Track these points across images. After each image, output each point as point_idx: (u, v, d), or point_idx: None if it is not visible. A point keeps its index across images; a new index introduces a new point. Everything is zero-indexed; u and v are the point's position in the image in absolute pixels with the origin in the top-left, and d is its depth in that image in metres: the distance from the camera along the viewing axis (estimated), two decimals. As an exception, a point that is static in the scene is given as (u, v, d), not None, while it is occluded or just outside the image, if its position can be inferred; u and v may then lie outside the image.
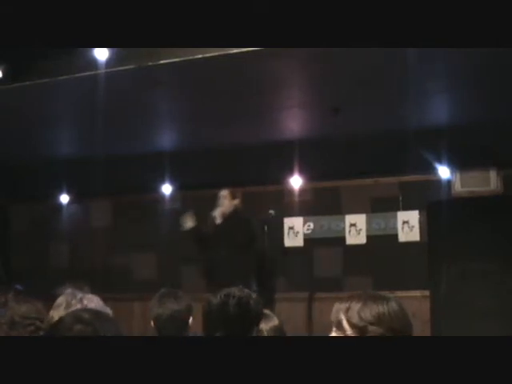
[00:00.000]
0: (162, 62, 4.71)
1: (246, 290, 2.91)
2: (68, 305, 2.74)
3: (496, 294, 6.59)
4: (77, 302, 2.75)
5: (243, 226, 6.63)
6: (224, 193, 6.67)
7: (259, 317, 2.89)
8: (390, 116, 6.11)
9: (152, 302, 3.49)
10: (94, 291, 3.30)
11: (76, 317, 2.00)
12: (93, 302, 2.82)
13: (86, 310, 2.33)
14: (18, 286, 5.97)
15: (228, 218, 6.62)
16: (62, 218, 8.67)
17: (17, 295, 4.98)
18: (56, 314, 2.79)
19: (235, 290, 2.84)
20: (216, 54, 4.47)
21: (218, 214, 6.62)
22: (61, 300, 2.82)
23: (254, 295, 2.90)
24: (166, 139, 7.18)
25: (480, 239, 6.81)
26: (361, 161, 7.26)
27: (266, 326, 3.12)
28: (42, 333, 2.71)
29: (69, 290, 2.89)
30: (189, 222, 6.76)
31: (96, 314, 2.06)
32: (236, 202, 6.69)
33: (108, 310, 2.81)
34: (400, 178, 7.36)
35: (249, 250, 6.61)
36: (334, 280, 7.49)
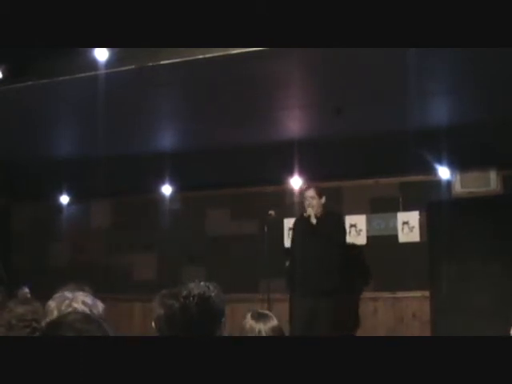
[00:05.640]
0: (162, 62, 4.71)
1: (204, 284, 2.86)
2: (59, 311, 2.73)
3: (496, 294, 6.59)
4: (66, 306, 2.75)
5: (337, 224, 6.63)
6: (310, 193, 6.58)
7: (222, 311, 2.85)
8: (391, 116, 6.10)
9: (153, 302, 3.49)
10: (94, 291, 3.30)
11: (62, 323, 2.00)
12: (82, 303, 2.80)
13: (73, 313, 2.32)
14: (25, 287, 5.99)
15: (320, 218, 6.53)
16: (62, 218, 8.68)
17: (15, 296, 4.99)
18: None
19: (194, 288, 2.79)
20: (216, 54, 4.47)
21: (311, 215, 6.51)
22: (52, 306, 2.81)
23: (214, 288, 2.86)
24: (166, 139, 7.17)
25: (480, 239, 6.82)
26: (361, 161, 7.25)
27: (264, 327, 3.12)
28: (38, 334, 2.71)
29: (57, 294, 2.88)
30: None
31: (84, 318, 2.05)
32: (323, 200, 6.60)
33: (99, 307, 2.80)
34: (400, 179, 7.36)
35: (342, 247, 6.63)
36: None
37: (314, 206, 6.50)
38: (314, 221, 6.46)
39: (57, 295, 2.86)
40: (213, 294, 2.78)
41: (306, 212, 6.55)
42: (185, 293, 2.75)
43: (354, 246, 7.33)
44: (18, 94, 5.26)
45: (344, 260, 6.53)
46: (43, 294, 2.96)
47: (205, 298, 2.73)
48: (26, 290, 5.95)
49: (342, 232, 6.67)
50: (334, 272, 6.33)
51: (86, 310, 2.69)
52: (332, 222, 6.54)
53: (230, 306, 3.24)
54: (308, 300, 6.30)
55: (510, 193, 6.97)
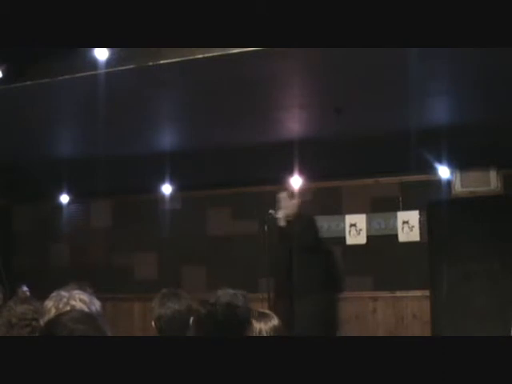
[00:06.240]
0: (162, 61, 4.71)
1: (233, 293, 2.88)
2: (57, 310, 2.73)
3: (496, 294, 6.59)
4: (64, 305, 2.75)
5: (306, 227, 6.52)
6: (283, 195, 6.61)
7: (248, 318, 2.88)
8: (391, 116, 6.10)
9: (153, 302, 3.50)
10: (94, 291, 3.31)
11: (56, 322, 2.00)
12: (80, 300, 2.81)
13: (68, 312, 2.32)
14: (24, 287, 5.99)
15: (290, 220, 6.47)
16: (63, 218, 8.68)
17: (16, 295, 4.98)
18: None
19: (222, 296, 2.81)
20: (216, 53, 4.47)
21: (281, 217, 6.44)
22: (49, 305, 2.81)
23: (241, 297, 2.87)
24: (166, 139, 7.17)
25: (480, 239, 6.82)
26: (361, 161, 7.26)
27: (265, 326, 3.11)
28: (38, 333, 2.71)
29: (54, 293, 2.88)
30: None
31: (78, 317, 2.05)
32: (296, 201, 6.60)
33: (97, 304, 2.81)
34: (400, 178, 7.37)
35: (316, 250, 6.59)
36: (334, 280, 7.49)
37: (286, 207, 6.50)
38: (281, 223, 6.49)
39: (53, 294, 2.86)
40: (240, 304, 2.80)
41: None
42: (213, 300, 2.78)
43: (324, 249, 7.28)
44: (18, 93, 5.26)
45: (310, 262, 6.49)
46: (44, 294, 2.96)
47: (232, 306, 2.76)
48: (25, 288, 5.95)
49: (311, 234, 6.59)
50: (299, 274, 6.31)
51: (84, 307, 2.69)
52: (301, 225, 6.47)
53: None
54: (280, 302, 6.31)
55: (510, 193, 6.98)
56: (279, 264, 6.48)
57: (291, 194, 6.56)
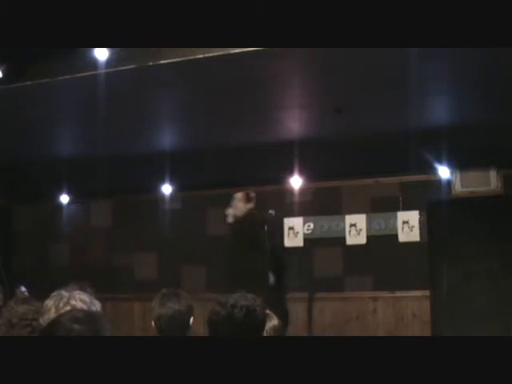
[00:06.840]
0: (162, 61, 4.71)
1: (251, 296, 2.90)
2: (57, 309, 2.74)
3: (496, 294, 6.59)
4: (64, 304, 2.75)
5: (255, 231, 6.59)
6: (238, 195, 6.66)
7: (264, 322, 2.90)
8: (391, 116, 6.10)
9: (153, 302, 3.50)
10: (95, 291, 3.31)
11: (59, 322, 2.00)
12: (80, 300, 2.81)
13: (68, 312, 2.32)
14: (22, 287, 5.98)
15: (240, 220, 6.57)
16: (63, 218, 8.68)
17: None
18: (47, 319, 2.78)
19: (241, 299, 2.83)
20: (216, 53, 4.47)
21: (230, 214, 6.59)
22: (49, 305, 2.81)
23: (258, 301, 2.89)
24: (166, 139, 7.17)
25: (480, 239, 6.82)
26: (361, 161, 7.25)
27: (265, 326, 3.12)
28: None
29: (54, 293, 2.89)
30: None
31: (78, 316, 2.05)
32: (250, 205, 6.65)
33: (97, 305, 2.81)
34: (400, 178, 7.37)
35: (259, 250, 6.61)
36: (334, 280, 7.49)
37: (235, 208, 6.58)
38: (229, 220, 6.58)
39: (54, 294, 2.86)
40: (257, 308, 2.82)
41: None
42: (232, 302, 2.79)
43: (271, 250, 7.29)
44: (18, 93, 5.26)
45: (253, 261, 6.53)
46: (44, 294, 2.96)
47: (251, 310, 2.77)
48: (23, 289, 5.95)
49: (254, 234, 6.60)
50: (240, 272, 6.36)
51: (85, 307, 2.69)
52: (245, 225, 6.54)
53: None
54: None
55: (510, 193, 6.98)
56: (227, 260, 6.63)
57: (247, 197, 6.62)
